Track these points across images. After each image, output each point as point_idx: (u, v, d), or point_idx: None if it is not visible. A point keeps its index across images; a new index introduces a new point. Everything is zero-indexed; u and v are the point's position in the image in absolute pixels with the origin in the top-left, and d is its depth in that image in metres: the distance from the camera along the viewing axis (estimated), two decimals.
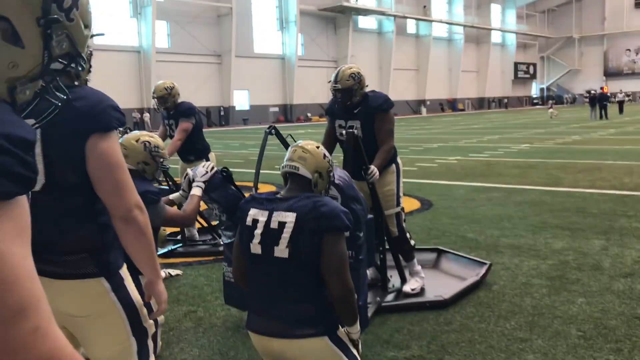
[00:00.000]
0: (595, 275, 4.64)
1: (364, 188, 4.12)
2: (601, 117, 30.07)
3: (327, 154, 2.64)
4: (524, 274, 4.74)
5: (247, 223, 2.48)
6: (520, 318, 3.83)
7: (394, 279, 4.53)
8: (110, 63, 36.83)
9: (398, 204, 4.32)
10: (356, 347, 2.55)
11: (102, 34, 2.04)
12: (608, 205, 7.50)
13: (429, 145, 18.30)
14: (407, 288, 4.38)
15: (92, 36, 1.85)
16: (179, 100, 6.06)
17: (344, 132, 4.19)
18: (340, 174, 3.14)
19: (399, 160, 4.40)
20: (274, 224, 2.41)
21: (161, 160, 3.17)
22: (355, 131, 3.74)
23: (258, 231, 2.43)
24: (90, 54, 1.94)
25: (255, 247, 2.44)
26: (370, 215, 3.55)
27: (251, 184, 4.36)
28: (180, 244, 6.05)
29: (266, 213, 2.45)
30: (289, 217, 2.39)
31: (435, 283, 4.57)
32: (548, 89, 75.37)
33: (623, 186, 8.94)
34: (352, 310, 2.42)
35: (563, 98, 68.75)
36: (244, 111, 43.80)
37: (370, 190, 4.00)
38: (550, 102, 39.98)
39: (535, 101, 72.28)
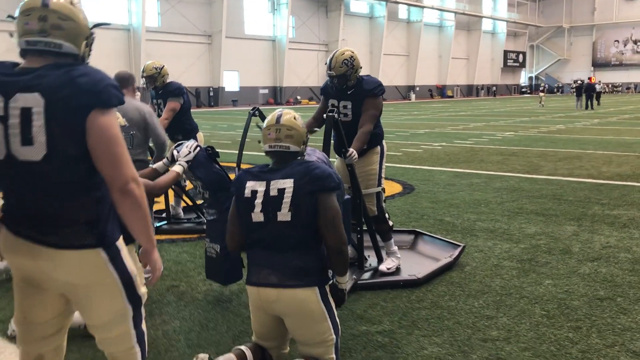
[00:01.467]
0: (564, 259, 4.84)
1: (346, 167, 4.29)
2: (587, 107, 30.37)
3: (300, 119, 2.90)
4: (496, 257, 4.93)
5: (245, 195, 2.72)
6: (488, 297, 4.01)
7: (372, 259, 4.70)
8: (100, 41, 36.06)
9: (379, 184, 4.48)
10: (343, 297, 2.80)
11: (108, 24, 2.27)
12: (584, 193, 7.71)
13: (415, 131, 18.47)
14: (383, 267, 4.54)
15: (95, 25, 2.06)
16: (168, 80, 6.15)
17: (336, 111, 4.34)
18: (318, 155, 3.28)
19: (384, 143, 4.55)
20: (273, 192, 2.69)
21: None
22: (335, 114, 3.87)
23: (258, 200, 2.71)
24: (93, 39, 2.08)
25: (258, 216, 2.70)
26: (347, 196, 3.70)
27: (235, 165, 4.50)
28: (165, 222, 6.17)
29: (264, 183, 2.72)
30: (287, 183, 2.68)
31: (410, 263, 4.75)
32: (537, 77, 75.70)
33: (600, 175, 9.16)
34: (345, 260, 2.75)
35: (554, 88, 69.14)
36: (234, 92, 43.67)
37: (349, 172, 4.15)
38: (541, 88, 40.13)
39: (523, 90, 72.62)
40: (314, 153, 3.28)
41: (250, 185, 2.77)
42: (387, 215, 4.56)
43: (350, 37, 50.99)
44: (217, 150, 3.71)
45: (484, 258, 4.90)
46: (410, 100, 54.79)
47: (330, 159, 3.63)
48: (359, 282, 4.23)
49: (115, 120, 1.95)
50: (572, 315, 3.68)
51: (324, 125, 3.88)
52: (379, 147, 4.47)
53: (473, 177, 9.16)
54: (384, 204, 4.53)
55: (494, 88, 66.89)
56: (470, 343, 3.31)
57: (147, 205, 2.01)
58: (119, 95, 1.95)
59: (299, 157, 2.88)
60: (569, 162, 10.75)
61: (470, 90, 66.14)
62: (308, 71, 47.82)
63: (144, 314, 2.24)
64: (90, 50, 2.06)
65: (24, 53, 1.96)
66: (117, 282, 2.07)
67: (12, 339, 3.42)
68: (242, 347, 2.90)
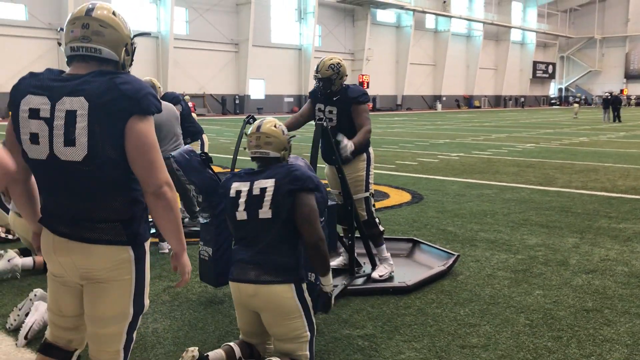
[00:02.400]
0: (559, 271, 4.85)
1: (336, 173, 4.40)
2: (614, 119, 29.90)
3: (284, 128, 3.10)
4: (491, 267, 4.96)
5: (230, 195, 2.93)
6: (475, 306, 4.05)
7: (367, 266, 4.78)
8: None
9: (367, 189, 4.57)
10: (328, 301, 2.93)
11: (149, 34, 2.35)
12: (593, 205, 7.66)
13: (435, 141, 18.45)
14: (375, 274, 4.61)
15: (136, 35, 2.21)
16: (162, 92, 6.40)
17: (322, 115, 4.52)
18: (299, 162, 3.39)
19: (370, 150, 4.66)
20: (256, 191, 2.92)
21: None
22: (324, 123, 3.99)
23: (242, 200, 2.93)
24: (134, 48, 2.21)
25: (241, 214, 2.91)
26: (333, 202, 3.80)
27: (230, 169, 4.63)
28: None
29: (247, 184, 2.96)
30: (269, 183, 2.89)
31: (404, 271, 4.81)
32: (567, 89, 74.70)
33: (614, 188, 9.07)
34: (324, 257, 2.88)
35: (590, 99, 68.14)
36: (259, 100, 44.09)
37: (339, 178, 4.25)
38: (576, 99, 39.58)
39: (553, 101, 71.70)
40: (296, 160, 3.39)
41: (235, 185, 2.99)
42: (377, 219, 4.64)
43: (376, 46, 51.14)
44: (209, 155, 3.84)
45: (478, 268, 4.94)
46: (436, 110, 54.56)
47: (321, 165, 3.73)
48: (348, 287, 4.31)
49: (152, 126, 2.05)
50: (555, 325, 3.70)
51: (313, 134, 3.99)
52: (365, 155, 4.58)
53: (484, 188, 9.15)
54: (373, 209, 4.62)
55: (522, 99, 66.20)
56: (448, 349, 3.37)
57: (178, 209, 2.11)
58: (157, 104, 2.07)
59: (282, 162, 3.06)
60: (585, 174, 10.65)
61: (498, 101, 65.60)
62: None
63: (138, 323, 2.28)
64: (131, 59, 2.18)
65: (69, 60, 2.09)
66: (132, 284, 2.15)
67: (10, 332, 3.59)
68: (231, 344, 3.05)
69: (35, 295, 3.65)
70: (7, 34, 32.89)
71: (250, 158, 3.10)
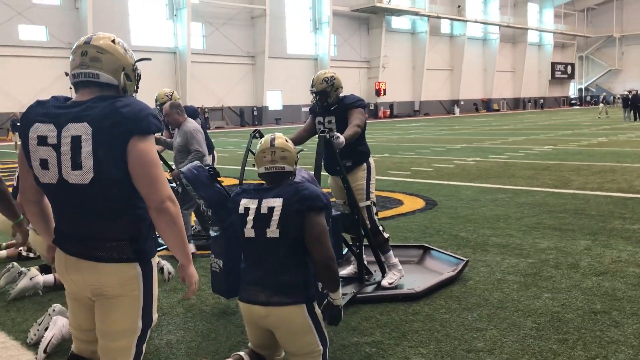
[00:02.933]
0: (569, 274, 4.86)
1: (339, 183, 4.50)
2: (635, 118, 29.53)
3: (290, 141, 3.11)
4: (501, 271, 4.99)
5: (239, 212, 2.95)
6: (483, 310, 4.10)
7: (378, 274, 4.85)
8: (148, 63, 37.70)
9: (368, 198, 4.66)
10: (338, 314, 2.97)
11: (149, 59, 2.45)
12: (608, 207, 7.63)
13: (451, 146, 18.43)
14: (385, 282, 4.68)
15: (138, 60, 2.31)
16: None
17: (322, 127, 4.64)
18: (303, 174, 3.48)
19: (371, 160, 4.76)
20: (264, 210, 2.89)
21: None
22: (327, 135, 4.08)
23: (250, 217, 2.92)
24: (139, 76, 2.33)
25: (249, 232, 2.92)
26: (337, 212, 3.88)
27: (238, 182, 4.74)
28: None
29: (256, 201, 2.93)
30: (277, 202, 2.88)
31: (414, 277, 4.86)
32: (586, 89, 73.86)
33: (631, 189, 9.01)
34: (334, 276, 2.88)
35: (610, 99, 67.29)
36: (277, 111, 44.40)
37: (345, 188, 4.35)
38: (601, 99, 39.14)
39: (573, 102, 70.93)
40: (299, 173, 3.48)
41: (244, 202, 2.99)
42: (380, 227, 4.72)
43: (392, 53, 51.23)
44: (216, 170, 3.95)
45: (489, 272, 4.97)
46: (454, 114, 54.34)
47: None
48: (358, 295, 4.39)
49: (152, 145, 2.15)
50: (561, 328, 3.73)
51: (316, 146, 4.09)
52: (365, 164, 4.67)
53: (499, 193, 9.16)
54: (375, 217, 4.70)
55: (542, 101, 65.63)
56: (454, 354, 3.42)
57: (182, 223, 2.18)
58: (157, 123, 2.16)
59: (291, 177, 3.09)
60: (602, 175, 10.59)
61: (517, 104, 65.14)
62: (350, 88, 48.06)
63: (147, 337, 2.37)
64: (135, 83, 2.30)
65: (75, 87, 2.21)
66: (140, 299, 2.24)
67: (30, 347, 3.73)
68: (241, 353, 3.12)
69: (53, 310, 3.79)
70: (29, 54, 33.68)
71: (258, 174, 3.13)
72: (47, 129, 2.11)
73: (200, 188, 4.06)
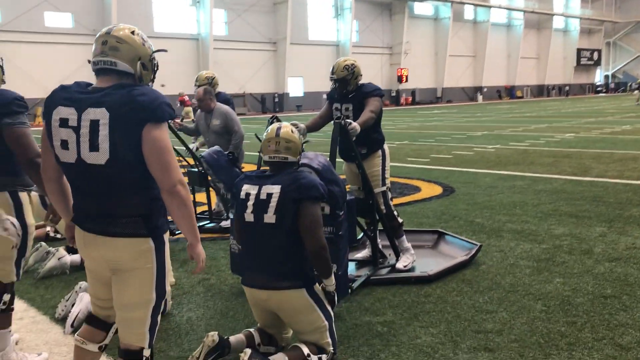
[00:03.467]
0: (582, 259, 4.92)
1: (353, 169, 4.60)
2: None
3: (297, 132, 3.19)
4: (514, 256, 5.06)
5: (241, 197, 3.09)
6: (494, 294, 4.19)
7: (392, 257, 4.96)
8: (171, 50, 37.94)
9: (383, 183, 4.76)
10: (332, 299, 3.11)
11: (165, 50, 2.57)
12: (627, 195, 7.61)
13: (472, 134, 18.36)
14: (400, 265, 4.79)
15: (155, 51, 2.45)
16: (217, 90, 6.60)
17: (339, 114, 4.73)
18: (320, 159, 3.59)
19: (385, 147, 4.85)
20: (263, 196, 3.02)
21: None
22: (342, 121, 4.18)
23: (250, 202, 3.05)
24: (157, 66, 2.48)
25: (249, 216, 3.06)
26: (351, 197, 3.99)
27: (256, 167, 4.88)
28: (209, 221, 6.63)
29: (256, 187, 3.07)
30: (275, 189, 3.01)
31: (428, 261, 4.97)
32: (613, 76, 72.49)
33: None
34: (326, 263, 3.01)
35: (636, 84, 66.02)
36: (298, 98, 44.45)
37: (360, 173, 4.45)
38: (636, 86, 37.91)
39: (598, 89, 69.72)
40: (316, 158, 3.59)
41: (245, 188, 3.12)
42: (395, 212, 4.82)
43: (414, 40, 50.82)
44: (235, 154, 4.08)
45: (502, 257, 5.05)
46: (476, 102, 53.85)
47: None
48: (372, 277, 4.50)
49: (165, 132, 2.29)
50: (571, 312, 3.81)
51: (332, 133, 4.19)
52: (380, 151, 4.77)
53: (517, 180, 9.17)
54: (390, 202, 4.80)
55: (567, 88, 64.63)
56: (463, 334, 3.53)
57: (191, 205, 2.34)
58: (170, 111, 2.30)
59: (295, 167, 3.19)
60: (623, 163, 10.51)
61: (541, 91, 64.24)
62: (372, 74, 47.89)
63: (161, 308, 2.53)
64: (152, 73, 2.44)
65: (96, 74, 2.37)
66: (154, 272, 2.39)
67: (58, 321, 3.93)
68: (251, 330, 3.29)
69: (80, 287, 3.99)
70: (55, 41, 34.15)
71: (263, 161, 3.24)
72: (68, 112, 2.27)
73: (220, 172, 4.21)
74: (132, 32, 2.36)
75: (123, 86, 2.27)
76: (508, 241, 5.57)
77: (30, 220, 3.19)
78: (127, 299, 2.40)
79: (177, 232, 6.17)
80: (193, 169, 6.39)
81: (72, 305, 3.88)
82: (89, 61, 2.39)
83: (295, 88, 44.66)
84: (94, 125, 2.22)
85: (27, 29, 32.98)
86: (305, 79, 44.98)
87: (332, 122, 4.25)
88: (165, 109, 2.27)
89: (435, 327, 3.65)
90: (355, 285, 4.23)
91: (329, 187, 3.55)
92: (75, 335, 2.67)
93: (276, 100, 43.39)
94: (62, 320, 3.91)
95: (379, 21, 49.97)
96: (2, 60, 3.22)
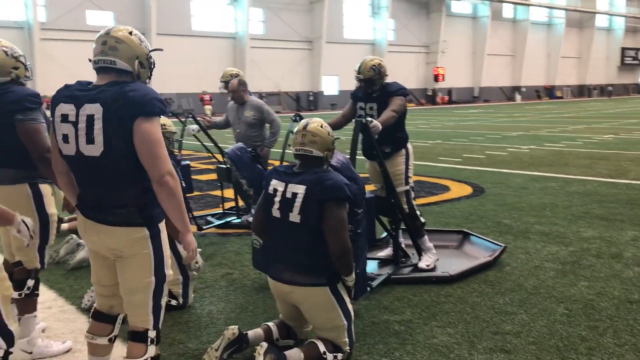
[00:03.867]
0: (610, 263, 4.81)
1: (376, 168, 4.61)
2: None
3: (329, 129, 3.21)
4: (540, 258, 4.99)
5: (269, 191, 3.16)
6: (515, 295, 4.14)
7: (415, 257, 4.94)
8: (208, 48, 38.66)
9: (407, 183, 4.75)
10: (350, 291, 3.13)
11: (161, 49, 2.69)
12: None
13: (508, 134, 18.08)
14: (422, 264, 4.77)
15: (152, 50, 2.57)
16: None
17: (363, 113, 4.73)
18: (339, 157, 3.60)
19: (409, 145, 4.83)
20: (288, 194, 3.06)
21: (171, 135, 3.96)
22: (363, 120, 4.18)
23: (277, 199, 3.11)
24: (153, 64, 2.60)
25: (276, 212, 3.12)
26: (370, 194, 3.99)
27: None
28: (235, 217, 6.71)
29: (283, 184, 3.11)
30: (300, 189, 3.04)
31: (451, 261, 4.93)
32: None
33: None
34: (348, 265, 3.05)
35: None
36: (333, 96, 44.46)
37: (382, 172, 4.45)
38: None
39: None
40: (335, 155, 3.60)
41: (274, 183, 3.17)
42: (418, 212, 4.80)
43: (451, 38, 50.26)
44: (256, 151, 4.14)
45: (527, 259, 4.98)
46: (514, 101, 52.95)
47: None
48: (393, 276, 4.50)
49: (156, 125, 2.41)
50: (593, 316, 3.74)
51: (353, 131, 4.20)
52: (403, 150, 4.75)
53: (550, 181, 9.01)
54: (413, 201, 4.78)
55: (610, 88, 62.92)
56: (480, 335, 3.50)
57: (181, 195, 2.44)
58: (160, 106, 2.42)
59: (325, 165, 3.20)
60: None
61: (581, 91, 62.72)
62: (407, 73, 47.63)
63: (166, 291, 2.65)
64: (149, 71, 2.57)
65: (97, 73, 2.51)
66: (151, 257, 2.53)
67: (84, 311, 4.05)
68: (269, 324, 3.34)
69: None
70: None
71: (293, 155, 3.29)
72: (68, 108, 2.43)
73: (243, 168, 4.28)
74: (130, 33, 2.50)
75: (117, 83, 2.41)
76: (535, 243, 5.48)
77: (52, 210, 3.33)
78: (129, 284, 2.56)
79: (204, 228, 6.29)
80: (222, 166, 6.48)
81: None
82: (90, 60, 2.54)
83: (330, 86, 44.70)
84: (90, 119, 2.38)
85: (70, 27, 33.84)
86: (341, 78, 44.94)
87: (354, 120, 4.26)
88: (155, 104, 2.39)
89: (452, 327, 3.63)
90: (375, 284, 4.24)
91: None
92: (85, 332, 2.81)
93: (311, 98, 43.52)
94: (87, 310, 4.02)
95: (416, 20, 49.58)
96: (25, 57, 3.34)
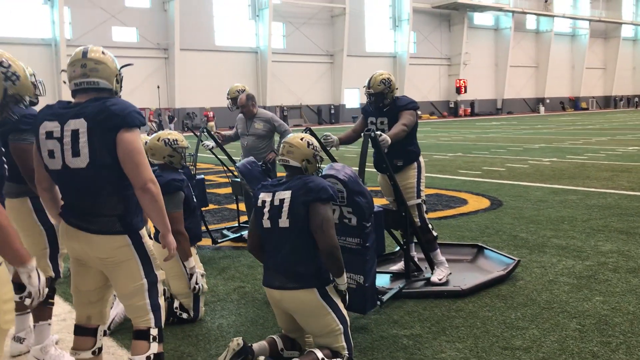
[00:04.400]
0: (626, 278, 4.73)
1: (388, 181, 4.61)
2: None
3: (311, 142, 3.29)
4: (555, 273, 4.92)
5: (258, 204, 3.21)
6: (527, 310, 4.09)
7: (427, 271, 4.92)
8: (231, 63, 39.14)
9: (418, 196, 4.74)
10: (344, 298, 3.16)
11: (131, 64, 2.91)
12: None
13: (530, 146, 17.90)
14: (434, 278, 4.74)
15: (122, 67, 2.73)
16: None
17: (374, 127, 4.77)
18: (347, 171, 3.62)
19: (421, 159, 4.84)
20: (276, 202, 3.18)
21: (183, 150, 4.01)
22: (372, 133, 4.20)
23: (266, 209, 3.22)
24: (121, 77, 2.78)
25: (266, 222, 3.20)
26: (379, 208, 4.00)
27: None
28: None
29: (270, 194, 3.21)
30: (286, 194, 3.15)
31: (464, 275, 4.89)
32: None
33: None
34: (337, 262, 3.08)
35: None
36: (354, 109, 44.57)
37: (392, 185, 4.45)
38: None
39: None
40: (343, 169, 3.63)
41: (262, 196, 3.27)
42: (430, 225, 4.78)
43: (473, 50, 50.13)
44: (268, 165, 4.18)
45: (541, 273, 4.92)
46: (538, 113, 52.42)
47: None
48: (404, 290, 4.48)
49: (137, 136, 2.57)
50: (607, 332, 3.67)
51: (361, 146, 4.21)
52: (415, 163, 4.77)
53: (569, 194, 8.89)
54: (425, 215, 4.77)
55: (636, 99, 61.99)
56: (489, 350, 3.46)
57: (162, 200, 2.60)
58: (140, 118, 2.61)
59: (315, 172, 3.27)
60: None
61: (607, 102, 61.94)
62: (429, 86, 47.59)
63: (160, 290, 2.80)
64: (120, 84, 2.73)
65: (74, 93, 2.67)
66: (137, 261, 2.68)
67: None
68: (274, 336, 3.37)
69: None
70: (122, 55, 35.50)
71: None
72: (52, 126, 2.58)
73: (253, 182, 4.30)
74: (103, 52, 2.65)
75: (98, 99, 2.57)
76: (550, 257, 5.41)
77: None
78: (123, 290, 2.70)
79: (219, 241, 6.34)
80: (236, 179, 6.54)
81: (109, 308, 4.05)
82: (65, 82, 2.70)
83: (351, 99, 44.86)
84: (75, 134, 2.52)
85: (96, 43, 34.49)
86: (362, 91, 45.04)
87: (362, 134, 4.27)
88: (134, 116, 2.57)
89: (462, 342, 3.60)
90: (385, 298, 4.22)
91: (355, 199, 3.58)
92: (70, 348, 2.91)
93: (332, 111, 43.67)
94: None
95: (438, 32, 49.59)
96: (34, 76, 3.42)
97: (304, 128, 4.47)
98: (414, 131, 4.73)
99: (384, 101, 4.71)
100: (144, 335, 2.72)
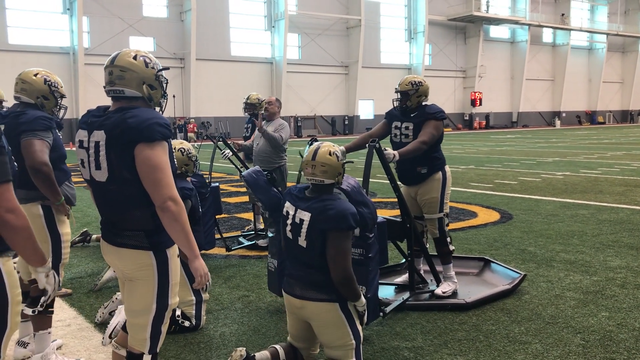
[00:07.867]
0: (634, 294, 4.68)
1: (411, 194, 4.62)
2: None
3: (338, 154, 3.24)
4: (561, 287, 4.88)
5: (284, 212, 3.22)
6: (531, 325, 4.05)
7: (433, 283, 4.90)
8: (246, 73, 39.37)
9: (441, 210, 4.72)
10: (362, 317, 3.16)
11: (167, 68, 2.68)
12: None
13: (543, 160, 17.78)
14: (439, 291, 4.72)
15: (160, 70, 2.59)
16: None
17: (398, 132, 4.73)
18: (350, 181, 3.63)
19: (446, 169, 4.79)
20: (297, 219, 3.14)
21: (195, 157, 4.07)
22: (377, 145, 4.19)
23: (289, 221, 3.18)
24: (161, 82, 2.61)
25: (288, 233, 3.21)
26: (382, 219, 4.00)
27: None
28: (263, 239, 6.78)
29: (294, 208, 3.18)
30: (306, 217, 3.10)
31: (469, 288, 4.87)
32: None
33: None
34: (352, 292, 3.07)
35: None
36: (368, 120, 44.56)
37: (397, 197, 4.45)
38: None
39: None
40: (346, 180, 3.63)
41: (287, 205, 3.25)
42: (449, 239, 4.75)
43: (489, 63, 49.96)
44: (272, 174, 4.20)
45: (548, 288, 4.88)
46: (554, 127, 52.06)
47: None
48: (408, 302, 4.47)
49: (157, 151, 2.37)
50: (610, 347, 3.63)
51: (366, 156, 4.21)
52: (440, 173, 4.71)
53: (581, 208, 8.81)
54: (446, 228, 4.75)
55: None
56: None
57: (185, 220, 2.39)
58: (162, 130, 2.39)
59: (335, 188, 3.25)
60: None
61: (625, 116, 61.29)
62: (444, 98, 47.43)
63: (167, 318, 2.65)
64: (161, 89, 2.59)
65: (111, 99, 2.57)
66: (154, 285, 2.53)
67: (101, 329, 4.13)
68: (277, 346, 3.35)
69: (116, 298, 4.19)
70: None
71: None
72: (83, 135, 2.54)
73: (258, 191, 4.32)
74: (135, 57, 2.52)
75: (121, 110, 2.45)
76: (558, 271, 5.36)
77: (64, 229, 3.45)
78: (131, 306, 2.60)
79: (233, 248, 6.40)
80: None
81: (110, 314, 4.10)
82: (104, 86, 2.59)
83: (365, 110, 44.84)
84: (97, 146, 2.45)
85: (113, 52, 34.96)
86: (376, 102, 45.07)
87: (367, 144, 4.27)
88: (155, 129, 2.38)
89: (463, 355, 3.58)
90: (388, 309, 4.21)
91: (358, 209, 3.57)
92: (112, 340, 2.88)
93: (346, 122, 43.69)
94: (103, 326, 4.12)
95: (453, 44, 49.50)
96: (49, 85, 3.48)
97: (310, 138, 4.49)
98: (440, 140, 4.70)
99: (406, 102, 4.68)
100: (136, 359, 2.62)
